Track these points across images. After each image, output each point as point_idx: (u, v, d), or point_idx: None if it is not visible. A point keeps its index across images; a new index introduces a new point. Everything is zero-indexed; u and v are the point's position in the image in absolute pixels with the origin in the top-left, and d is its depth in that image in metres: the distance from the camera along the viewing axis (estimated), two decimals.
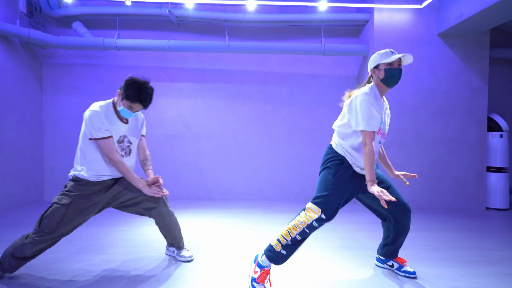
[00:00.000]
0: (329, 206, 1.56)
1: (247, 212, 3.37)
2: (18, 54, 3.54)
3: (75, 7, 3.68)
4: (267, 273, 1.58)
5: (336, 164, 1.65)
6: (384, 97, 1.70)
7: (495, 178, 3.67)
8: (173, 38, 3.92)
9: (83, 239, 2.41)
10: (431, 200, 3.61)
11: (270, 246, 1.61)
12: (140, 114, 2.02)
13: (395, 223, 1.76)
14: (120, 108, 1.79)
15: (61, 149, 3.97)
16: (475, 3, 2.92)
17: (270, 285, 1.60)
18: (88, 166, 1.75)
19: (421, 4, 3.44)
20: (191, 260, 2.02)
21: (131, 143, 1.91)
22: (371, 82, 1.70)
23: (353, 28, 4.04)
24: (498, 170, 3.67)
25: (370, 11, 3.66)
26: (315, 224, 1.56)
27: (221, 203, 3.86)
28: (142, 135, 2.02)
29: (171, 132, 4.05)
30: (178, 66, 4.04)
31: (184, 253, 2.03)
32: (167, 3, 3.60)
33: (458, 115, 3.60)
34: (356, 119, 1.57)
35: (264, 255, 1.61)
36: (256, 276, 1.58)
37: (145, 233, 2.61)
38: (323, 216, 1.55)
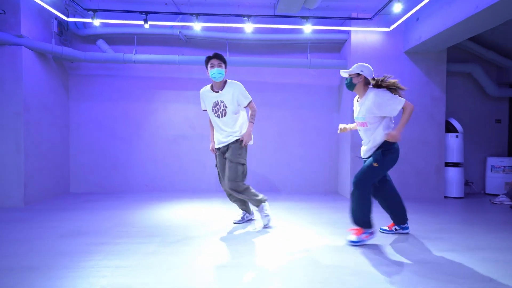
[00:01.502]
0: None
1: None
2: (51, 67, 4.19)
3: (99, 27, 4.34)
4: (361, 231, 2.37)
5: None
6: (363, 96, 2.40)
7: (452, 172, 4.39)
8: (182, 54, 4.59)
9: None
10: (398, 190, 4.30)
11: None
12: (234, 89, 2.61)
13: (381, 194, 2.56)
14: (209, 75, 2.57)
15: (84, 149, 4.62)
16: (431, 28, 3.63)
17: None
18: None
19: (389, 27, 4.15)
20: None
21: (226, 107, 2.59)
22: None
23: (335, 45, 4.75)
24: (455, 165, 4.39)
25: (348, 32, 4.36)
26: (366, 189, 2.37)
27: (222, 194, 4.52)
28: (245, 106, 2.70)
29: (179, 132, 4.72)
30: (186, 76, 4.72)
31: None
32: (178, 26, 4.27)
33: (422, 119, 4.31)
34: None
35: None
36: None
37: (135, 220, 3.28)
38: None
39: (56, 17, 4.08)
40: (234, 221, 2.92)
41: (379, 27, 4.19)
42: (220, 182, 2.81)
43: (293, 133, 4.77)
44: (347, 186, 4.40)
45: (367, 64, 2.42)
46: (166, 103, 4.72)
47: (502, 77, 4.78)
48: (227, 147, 2.68)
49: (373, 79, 2.42)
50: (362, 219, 2.32)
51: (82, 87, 4.62)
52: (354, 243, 2.33)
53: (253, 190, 2.71)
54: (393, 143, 2.36)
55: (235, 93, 2.60)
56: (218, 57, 2.57)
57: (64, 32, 4.38)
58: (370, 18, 4.00)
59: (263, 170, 4.76)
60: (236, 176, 2.58)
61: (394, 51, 4.27)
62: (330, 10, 4.20)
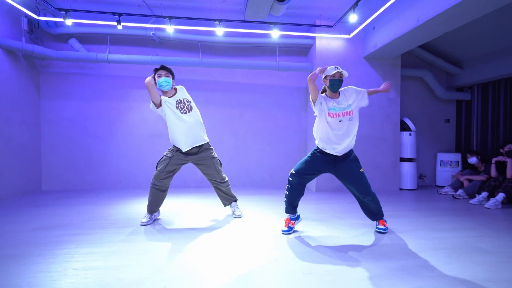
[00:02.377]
0: (298, 167, 2.49)
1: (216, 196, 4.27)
2: (21, 65, 4.18)
3: (72, 26, 4.38)
4: (288, 220, 2.59)
5: (312, 150, 2.59)
6: (341, 95, 2.48)
7: (406, 166, 4.86)
8: (156, 54, 4.73)
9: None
10: None
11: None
12: (184, 90, 2.87)
13: (361, 203, 2.65)
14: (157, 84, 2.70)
15: (57, 147, 4.63)
16: (384, 37, 4.04)
17: (291, 224, 2.57)
18: None
19: (349, 34, 4.54)
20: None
21: (190, 102, 2.80)
22: (324, 90, 2.51)
23: (302, 50, 5.08)
24: (409, 160, 4.87)
25: (313, 38, 4.70)
26: (290, 178, 2.48)
27: (196, 190, 4.73)
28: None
29: (153, 131, 4.85)
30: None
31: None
32: (151, 27, 4.41)
33: (379, 118, 4.74)
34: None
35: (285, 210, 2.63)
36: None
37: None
38: (293, 171, 2.48)
39: (26, 15, 4.09)
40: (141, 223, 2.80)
41: (341, 34, 4.56)
42: (161, 179, 2.75)
43: (263, 132, 5.06)
44: (313, 180, 4.74)
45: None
46: (140, 102, 4.83)
47: (450, 82, 5.35)
48: (198, 149, 2.84)
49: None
50: (380, 211, 2.61)
51: (54, 86, 4.63)
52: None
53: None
54: None
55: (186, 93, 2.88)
56: (165, 68, 2.74)
57: (35, 30, 4.38)
58: (332, 26, 4.36)
59: (235, 167, 5.00)
60: (221, 168, 3.00)
61: (354, 56, 4.67)
62: (296, 17, 4.52)
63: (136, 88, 4.82)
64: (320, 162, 2.50)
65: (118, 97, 4.79)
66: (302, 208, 3.42)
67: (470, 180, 4.31)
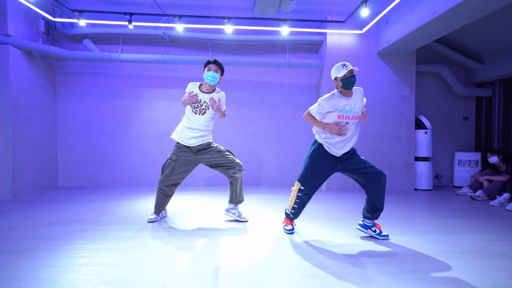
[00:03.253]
0: (305, 180, 2.33)
1: (226, 194, 4.27)
2: (38, 65, 4.33)
3: (86, 27, 4.49)
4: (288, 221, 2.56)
5: (313, 148, 2.36)
6: (354, 94, 2.26)
7: (422, 166, 4.68)
8: (167, 53, 4.78)
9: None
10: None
11: (286, 210, 2.55)
12: (221, 97, 2.76)
13: (370, 188, 2.30)
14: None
15: (72, 145, 4.77)
16: (398, 31, 3.89)
17: (295, 224, 2.58)
18: None
19: (362, 30, 4.41)
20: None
21: (207, 109, 2.71)
22: (337, 88, 2.29)
23: (313, 46, 4.99)
24: (424, 159, 4.68)
25: (324, 34, 4.60)
26: (299, 194, 2.37)
27: (205, 188, 4.75)
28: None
29: (165, 130, 4.90)
30: (171, 75, 4.90)
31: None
32: (162, 26, 4.45)
33: (392, 116, 4.59)
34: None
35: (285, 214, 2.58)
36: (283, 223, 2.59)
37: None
38: (302, 187, 2.35)
39: (43, 17, 4.22)
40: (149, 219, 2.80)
41: (352, 29, 4.44)
42: (167, 186, 2.73)
43: (273, 130, 5.01)
44: None
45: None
46: (152, 101, 4.90)
47: (469, 77, 5.09)
48: (201, 149, 2.73)
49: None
50: (382, 207, 2.37)
51: (69, 85, 4.77)
52: None
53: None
54: None
55: (223, 100, 2.77)
56: (217, 63, 2.72)
57: (52, 31, 4.52)
58: (343, 21, 4.25)
59: (244, 166, 4.97)
60: (234, 158, 2.82)
61: (367, 52, 4.53)
62: (306, 13, 4.43)
63: (148, 87, 4.89)
64: (325, 166, 2.33)
65: (130, 96, 4.87)
66: (311, 208, 3.36)
67: (490, 181, 4.10)
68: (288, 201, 2.52)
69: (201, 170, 4.91)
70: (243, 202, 3.01)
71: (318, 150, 2.34)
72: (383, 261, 1.95)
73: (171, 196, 2.83)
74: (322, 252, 2.10)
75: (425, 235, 2.48)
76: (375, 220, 2.42)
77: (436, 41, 4.74)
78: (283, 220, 2.66)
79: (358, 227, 2.46)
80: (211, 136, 2.86)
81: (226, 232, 2.54)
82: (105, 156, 4.82)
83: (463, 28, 3.88)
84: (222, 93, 2.83)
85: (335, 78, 2.26)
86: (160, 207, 2.82)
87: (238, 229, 2.61)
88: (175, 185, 2.78)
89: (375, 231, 2.39)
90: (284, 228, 2.57)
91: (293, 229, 2.53)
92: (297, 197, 2.40)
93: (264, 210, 3.29)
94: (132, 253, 2.04)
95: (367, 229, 2.42)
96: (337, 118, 2.25)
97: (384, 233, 2.42)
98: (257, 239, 2.36)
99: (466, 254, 2.08)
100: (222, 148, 2.86)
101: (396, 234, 2.49)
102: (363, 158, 2.36)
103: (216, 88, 2.83)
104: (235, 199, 2.90)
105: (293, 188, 2.45)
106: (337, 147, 2.28)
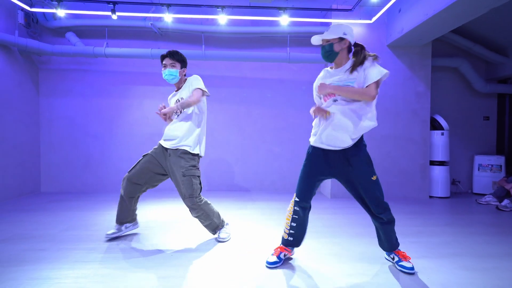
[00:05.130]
0: (299, 190, 1.85)
1: (220, 201, 3.86)
2: (17, 61, 3.98)
3: (68, 19, 4.13)
4: (281, 248, 1.93)
5: (307, 153, 1.90)
6: (344, 65, 1.81)
7: (438, 171, 4.20)
8: (156, 47, 4.39)
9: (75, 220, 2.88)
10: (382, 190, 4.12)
11: (282, 237, 1.94)
12: (191, 80, 2.30)
13: (372, 218, 1.87)
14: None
15: (56, 146, 4.42)
16: (413, 19, 3.44)
17: (290, 253, 1.97)
18: None
19: (371, 19, 3.96)
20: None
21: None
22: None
23: None
24: (441, 163, 4.21)
25: (329, 25, 4.17)
26: (296, 208, 1.86)
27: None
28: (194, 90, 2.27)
29: (155, 130, 4.52)
30: (160, 71, 4.49)
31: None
32: (150, 17, 4.07)
33: (405, 115, 4.12)
34: None
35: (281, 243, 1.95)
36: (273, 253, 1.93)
37: None
38: (296, 199, 1.85)
39: (22, 9, 3.88)
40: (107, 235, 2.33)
41: (360, 19, 3.99)
42: (128, 178, 2.26)
43: (273, 131, 4.58)
44: (327, 185, 4.22)
45: (348, 23, 1.87)
46: (141, 99, 4.52)
47: (491, 72, 4.60)
48: (173, 153, 2.25)
49: (360, 46, 1.84)
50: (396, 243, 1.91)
51: (53, 82, 4.42)
52: None
53: (212, 207, 2.33)
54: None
55: (190, 85, 2.29)
56: (171, 55, 2.26)
57: (33, 24, 4.18)
58: (351, 10, 3.81)
59: (241, 169, 4.57)
60: (192, 191, 2.17)
61: (376, 45, 4.08)
62: (309, 1, 4.01)
63: (137, 84, 4.51)
64: (315, 167, 1.88)
65: (118, 94, 4.50)
66: (314, 218, 2.92)
67: None
68: (284, 223, 1.94)
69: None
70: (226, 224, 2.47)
71: (309, 153, 1.87)
72: None
73: (127, 201, 2.29)
74: (324, 279, 1.67)
75: (454, 260, 2.02)
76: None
77: (454, 32, 4.27)
78: (390, 255, 1.92)
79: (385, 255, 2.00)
80: (192, 144, 2.26)
81: (213, 253, 2.12)
82: (90, 159, 4.45)
83: (485, 16, 3.40)
84: (192, 77, 2.33)
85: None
86: (120, 216, 2.34)
87: (226, 248, 2.19)
88: (133, 184, 2.24)
89: (393, 258, 1.90)
90: (266, 261, 1.89)
91: (279, 261, 1.88)
92: (294, 212, 1.89)
93: (259, 222, 2.86)
94: (86, 284, 1.64)
95: (388, 255, 1.96)
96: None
97: (406, 263, 1.81)
98: (251, 256, 1.94)
99: None
100: (195, 164, 2.25)
101: (417, 258, 2.04)
102: (373, 178, 1.79)
103: (187, 78, 2.36)
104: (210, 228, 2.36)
105: (289, 205, 1.94)
106: (323, 134, 1.77)
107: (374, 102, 1.79)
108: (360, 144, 1.81)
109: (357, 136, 1.77)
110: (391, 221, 1.85)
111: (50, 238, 2.35)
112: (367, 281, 1.71)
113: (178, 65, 2.30)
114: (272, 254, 1.93)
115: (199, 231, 2.55)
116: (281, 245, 1.96)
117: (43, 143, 4.41)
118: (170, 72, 2.26)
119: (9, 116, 3.84)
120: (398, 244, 1.90)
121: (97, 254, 2.04)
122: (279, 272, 1.81)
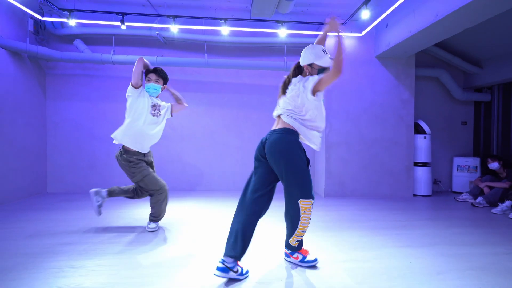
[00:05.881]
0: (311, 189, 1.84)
1: (222, 201, 4.12)
2: (26, 67, 4.14)
3: (77, 27, 4.32)
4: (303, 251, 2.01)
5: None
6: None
7: (421, 171, 4.60)
8: (161, 55, 4.63)
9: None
10: (371, 189, 4.49)
11: (291, 243, 1.95)
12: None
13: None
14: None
15: (62, 149, 4.58)
16: (398, 34, 3.80)
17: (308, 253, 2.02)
18: None
19: (361, 33, 4.32)
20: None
21: (160, 111, 2.63)
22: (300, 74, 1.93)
23: None
24: (423, 164, 4.60)
25: None
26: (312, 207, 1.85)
27: (201, 193, 4.59)
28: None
29: None
30: None
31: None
32: (156, 27, 4.30)
33: (392, 121, 4.50)
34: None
35: (295, 252, 2.00)
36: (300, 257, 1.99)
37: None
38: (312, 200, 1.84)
39: (32, 17, 4.05)
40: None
41: (351, 32, 4.35)
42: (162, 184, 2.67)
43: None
44: (321, 185, 4.55)
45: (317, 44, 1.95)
46: None
47: (468, 82, 5.05)
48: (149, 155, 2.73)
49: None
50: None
51: (60, 87, 4.58)
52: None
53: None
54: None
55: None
56: (157, 72, 2.55)
57: (41, 31, 4.34)
58: (343, 24, 4.16)
59: (240, 172, 4.84)
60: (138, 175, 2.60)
61: (366, 56, 4.45)
62: (305, 15, 4.34)
63: None
64: None
65: (123, 98, 4.61)
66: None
67: (490, 187, 4.03)
68: (298, 230, 1.88)
69: (197, 174, 4.76)
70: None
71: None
72: (389, 279, 1.83)
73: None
74: (323, 268, 1.98)
75: (432, 248, 2.37)
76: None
77: (435, 45, 4.69)
78: (294, 255, 2.02)
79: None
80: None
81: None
82: (95, 161, 4.64)
83: (462, 32, 3.81)
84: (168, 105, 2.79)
85: (311, 64, 1.87)
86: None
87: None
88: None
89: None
90: (307, 262, 1.97)
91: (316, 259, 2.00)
92: (308, 212, 1.85)
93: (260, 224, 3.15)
94: (119, 271, 1.88)
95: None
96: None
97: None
98: (253, 257, 2.22)
99: (478, 270, 1.96)
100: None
101: (403, 247, 2.38)
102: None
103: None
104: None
105: (303, 210, 1.82)
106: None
107: None
108: None
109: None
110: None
111: (73, 233, 2.57)
112: (361, 266, 2.02)
113: (161, 81, 2.59)
114: (305, 255, 2.01)
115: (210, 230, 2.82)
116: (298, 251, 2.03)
117: (50, 145, 4.57)
118: (154, 87, 2.56)
119: (20, 119, 3.99)
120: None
121: (121, 247, 2.28)
122: (282, 262, 2.10)
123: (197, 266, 1.97)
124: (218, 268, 1.71)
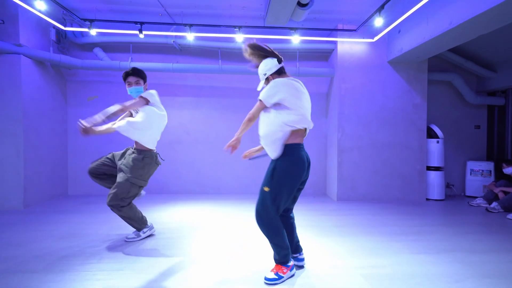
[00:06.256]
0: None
1: (236, 203, 4.22)
2: (49, 74, 4.33)
3: (96, 36, 4.49)
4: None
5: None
6: None
7: (433, 175, 4.61)
8: (176, 61, 4.76)
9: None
10: (383, 193, 4.53)
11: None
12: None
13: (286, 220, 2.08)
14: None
15: (82, 153, 4.76)
16: (411, 41, 3.84)
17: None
18: None
19: (373, 38, 4.37)
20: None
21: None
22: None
23: (322, 54, 4.95)
24: (436, 169, 4.62)
25: (334, 42, 4.57)
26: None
27: (214, 196, 4.71)
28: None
29: (174, 138, 4.88)
30: (180, 83, 4.88)
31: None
32: (172, 35, 4.44)
33: (403, 125, 4.53)
34: None
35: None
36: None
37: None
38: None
39: (54, 26, 4.22)
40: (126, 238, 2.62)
41: (364, 38, 4.40)
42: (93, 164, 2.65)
43: None
44: (334, 189, 4.61)
45: (268, 58, 2.04)
46: None
47: (481, 86, 5.03)
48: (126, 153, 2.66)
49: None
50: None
51: (80, 93, 4.76)
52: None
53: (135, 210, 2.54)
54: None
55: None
56: (135, 73, 2.51)
57: (62, 40, 4.52)
58: (355, 30, 4.21)
59: (251, 176, 4.94)
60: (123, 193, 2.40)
61: (378, 61, 4.48)
62: (317, 21, 4.40)
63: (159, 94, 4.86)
64: None
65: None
66: (323, 219, 3.31)
67: (505, 192, 4.02)
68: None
69: (209, 177, 4.87)
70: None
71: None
72: (411, 286, 1.89)
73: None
74: (338, 273, 2.05)
75: (449, 255, 2.41)
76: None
77: (448, 49, 4.68)
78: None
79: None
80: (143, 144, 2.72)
81: (247, 245, 2.49)
82: None
83: (475, 38, 3.83)
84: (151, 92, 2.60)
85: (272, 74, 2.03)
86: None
87: (236, 256, 2.56)
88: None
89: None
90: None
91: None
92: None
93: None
94: (147, 275, 2.00)
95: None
96: None
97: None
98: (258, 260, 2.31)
99: (495, 279, 2.00)
100: (142, 174, 2.57)
101: (419, 253, 2.42)
102: (264, 188, 1.93)
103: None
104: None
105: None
106: None
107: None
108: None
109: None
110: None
111: (99, 236, 2.71)
112: (377, 272, 2.09)
113: (141, 81, 2.60)
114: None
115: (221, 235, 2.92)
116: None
117: (71, 150, 4.75)
118: (137, 90, 2.57)
119: (44, 125, 4.18)
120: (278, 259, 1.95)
121: (147, 249, 2.40)
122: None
123: (220, 270, 2.07)
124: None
